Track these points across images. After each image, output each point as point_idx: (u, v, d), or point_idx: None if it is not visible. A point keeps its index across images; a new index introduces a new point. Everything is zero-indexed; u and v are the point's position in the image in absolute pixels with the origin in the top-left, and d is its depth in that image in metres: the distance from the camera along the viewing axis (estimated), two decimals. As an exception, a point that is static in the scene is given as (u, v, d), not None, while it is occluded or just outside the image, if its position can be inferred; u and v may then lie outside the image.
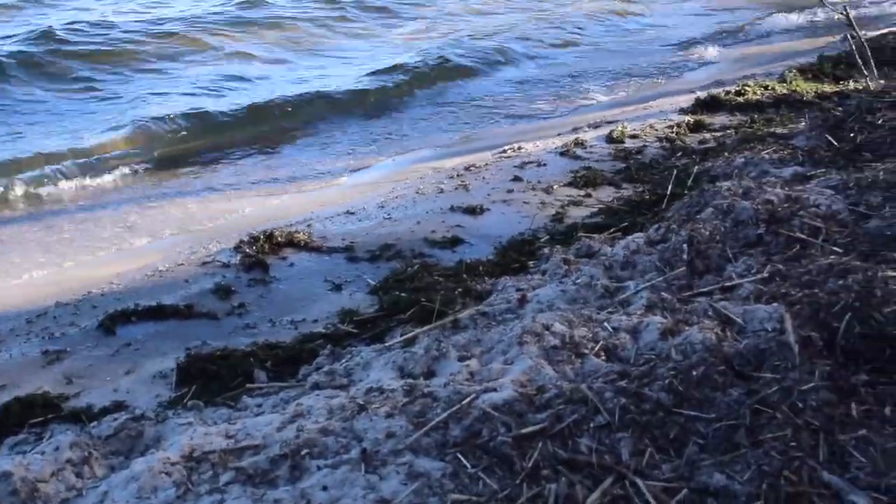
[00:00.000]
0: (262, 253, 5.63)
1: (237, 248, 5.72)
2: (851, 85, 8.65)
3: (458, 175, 7.24)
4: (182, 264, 5.64)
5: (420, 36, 13.93)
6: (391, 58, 12.15)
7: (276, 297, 5.14)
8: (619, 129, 8.01)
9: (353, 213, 6.53)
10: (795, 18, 14.72)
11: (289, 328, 4.72)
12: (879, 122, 6.23)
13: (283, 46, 13.08)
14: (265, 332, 4.66)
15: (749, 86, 9.15)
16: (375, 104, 10.42)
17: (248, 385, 3.89)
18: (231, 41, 13.02)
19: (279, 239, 5.80)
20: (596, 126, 8.57)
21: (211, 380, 4.04)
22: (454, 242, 5.81)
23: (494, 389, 3.11)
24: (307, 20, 14.37)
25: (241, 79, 11.21)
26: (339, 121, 9.77)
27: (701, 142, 7.63)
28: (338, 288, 5.21)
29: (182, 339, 4.57)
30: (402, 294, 4.84)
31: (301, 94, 10.33)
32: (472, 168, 7.40)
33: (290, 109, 9.93)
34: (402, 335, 4.13)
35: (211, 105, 9.96)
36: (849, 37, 8.72)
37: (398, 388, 3.26)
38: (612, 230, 5.34)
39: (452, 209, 6.39)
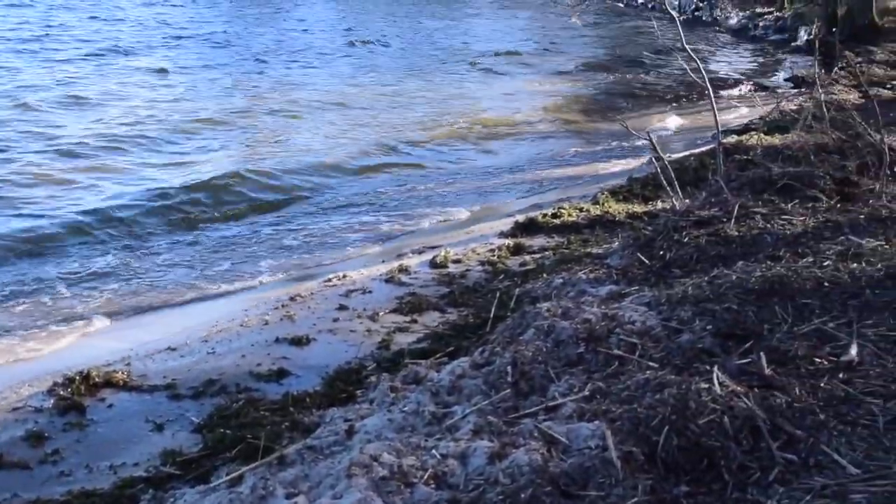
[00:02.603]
0: (77, 395, 5.39)
1: (51, 391, 5.45)
2: (659, 205, 9.10)
3: (283, 306, 7.17)
4: (-10, 411, 5.32)
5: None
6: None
7: (93, 441, 4.91)
8: (443, 254, 8.15)
9: (174, 350, 6.34)
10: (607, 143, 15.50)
11: (107, 474, 4.51)
12: (685, 239, 6.55)
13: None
14: (81, 480, 4.44)
15: (565, 208, 9.50)
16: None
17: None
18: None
19: (96, 379, 5.57)
20: (420, 252, 8.69)
21: (21, 536, 3.78)
22: (280, 375, 5.74)
23: (323, 527, 3.03)
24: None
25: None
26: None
27: (521, 264, 7.84)
28: (159, 428, 5.03)
29: (-10, 493, 4.28)
30: (228, 431, 4.72)
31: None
32: (297, 298, 7.34)
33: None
34: (227, 474, 4.00)
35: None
36: (654, 159, 9.22)
37: (223, 531, 3.13)
38: (438, 355, 5.37)
39: (278, 341, 6.31)
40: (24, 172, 12.01)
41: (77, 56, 22.78)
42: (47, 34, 26.04)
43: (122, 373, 5.72)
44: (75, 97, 17.37)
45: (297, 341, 6.27)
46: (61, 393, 5.41)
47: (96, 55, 23.07)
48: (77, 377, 5.53)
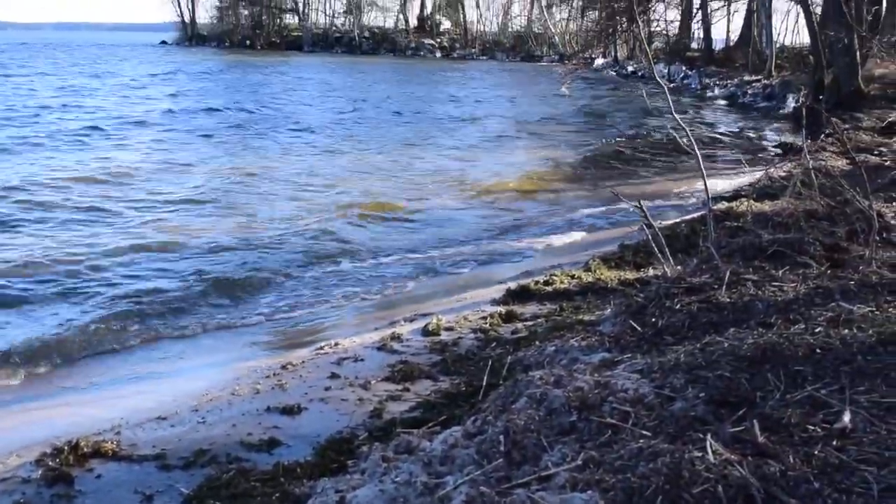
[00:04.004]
0: (66, 465, 5.32)
1: (39, 462, 5.39)
2: (651, 272, 9.14)
3: (274, 374, 7.13)
4: (-25, 484, 5.25)
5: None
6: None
7: (81, 514, 4.85)
8: (435, 321, 8.14)
9: (165, 419, 6.28)
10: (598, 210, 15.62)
11: (96, 546, 4.44)
12: (677, 306, 6.55)
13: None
14: (69, 552, 4.36)
15: (557, 275, 9.53)
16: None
17: None
18: None
19: (85, 449, 5.51)
20: (412, 319, 8.68)
21: None
22: (271, 444, 5.68)
23: None
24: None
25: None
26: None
27: (513, 331, 7.83)
28: (149, 499, 4.97)
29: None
30: (218, 502, 4.66)
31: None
32: (288, 366, 7.31)
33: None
34: (216, 547, 3.95)
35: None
36: (644, 227, 9.27)
37: None
38: (430, 424, 5.34)
39: (269, 410, 6.26)
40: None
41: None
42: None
43: (112, 442, 5.66)
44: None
45: (289, 410, 6.22)
46: (49, 463, 5.35)
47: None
48: (65, 447, 5.48)
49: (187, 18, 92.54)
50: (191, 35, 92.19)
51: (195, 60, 60.90)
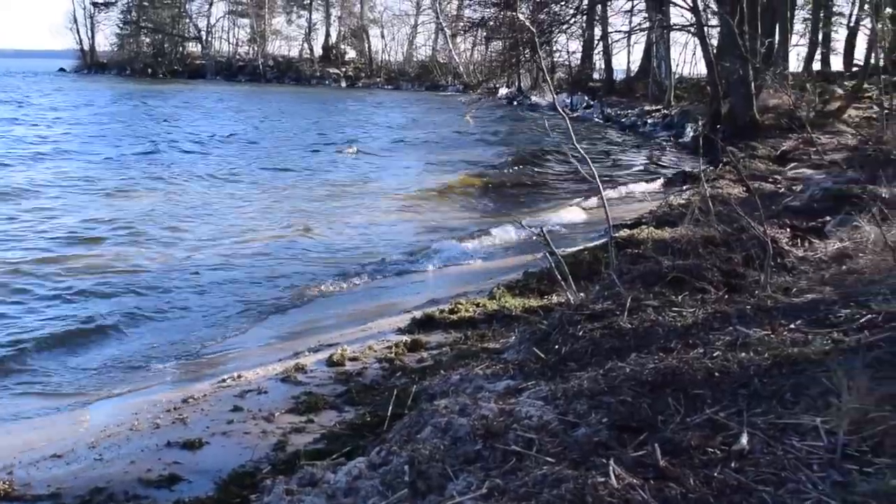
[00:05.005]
0: (-46, 509, 5.12)
1: (-75, 506, 5.18)
2: (554, 298, 9.21)
3: (175, 408, 6.97)
4: None
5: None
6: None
7: (-32, 559, 4.65)
8: (340, 352, 8.06)
9: (60, 457, 6.08)
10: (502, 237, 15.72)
11: (-18, 593, 4.26)
12: (580, 333, 6.60)
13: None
14: None
15: (462, 303, 9.53)
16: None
17: None
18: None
19: (-26, 491, 5.31)
20: (316, 350, 8.58)
21: None
22: (172, 480, 5.54)
23: None
24: None
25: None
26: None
27: (419, 360, 7.81)
28: (41, 541, 4.80)
29: None
30: (114, 542, 4.52)
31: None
32: (190, 400, 7.15)
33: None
34: (111, 590, 3.82)
35: None
36: (547, 254, 9.36)
37: None
38: (334, 456, 5.27)
39: (169, 445, 6.10)
40: None
41: None
42: None
43: (4, 482, 5.46)
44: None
45: (190, 445, 6.08)
46: (-63, 507, 5.15)
47: None
48: (-46, 489, 5.28)
49: (87, 46, 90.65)
50: (90, 62, 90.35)
51: (85, 88, 59.45)
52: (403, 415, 5.52)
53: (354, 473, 4.50)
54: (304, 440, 6.01)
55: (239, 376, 7.74)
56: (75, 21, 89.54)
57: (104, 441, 6.37)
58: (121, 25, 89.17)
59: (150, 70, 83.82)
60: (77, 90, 55.35)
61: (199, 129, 35.63)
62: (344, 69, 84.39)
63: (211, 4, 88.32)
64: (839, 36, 49.44)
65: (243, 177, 23.43)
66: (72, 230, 15.50)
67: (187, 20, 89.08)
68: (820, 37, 45.22)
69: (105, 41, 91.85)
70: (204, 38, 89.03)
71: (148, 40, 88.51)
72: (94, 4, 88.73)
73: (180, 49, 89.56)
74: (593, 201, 18.14)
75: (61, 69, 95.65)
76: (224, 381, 7.68)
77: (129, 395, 7.77)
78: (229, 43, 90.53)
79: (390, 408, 5.98)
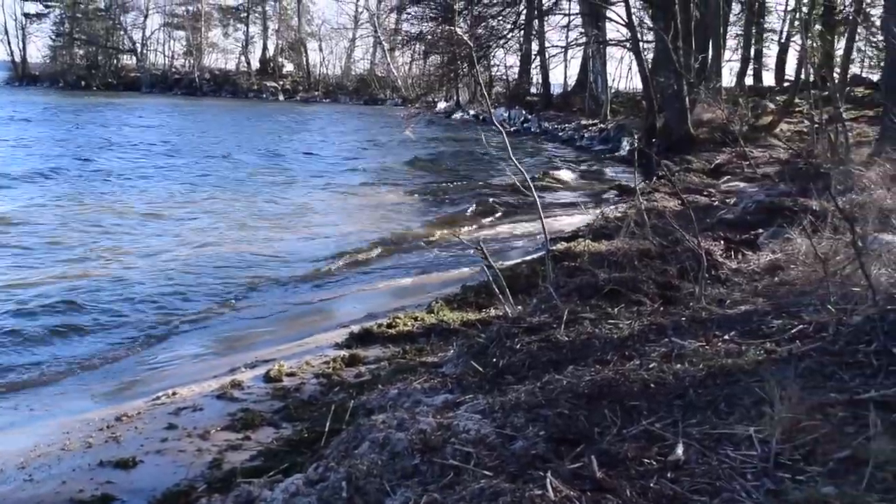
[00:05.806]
0: None
1: None
2: (492, 312, 9.23)
3: (108, 426, 6.84)
4: None
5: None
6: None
7: None
8: (277, 367, 7.99)
9: (-13, 479, 5.94)
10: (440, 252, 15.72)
11: None
12: (518, 346, 6.63)
13: None
14: None
15: (400, 317, 9.51)
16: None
17: None
18: None
19: None
20: (253, 366, 8.49)
21: None
22: (104, 501, 5.46)
23: None
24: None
25: None
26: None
27: (357, 375, 7.77)
28: (-34, 568, 4.67)
29: None
30: (44, 566, 4.41)
31: None
32: (123, 418, 7.02)
33: None
34: None
35: None
36: (485, 268, 9.39)
37: None
38: (271, 473, 5.22)
39: (102, 464, 6.00)
40: None
41: None
42: None
43: (-73, 507, 5.32)
44: None
45: (123, 464, 5.97)
46: None
47: None
48: None
49: (18, 58, 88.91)
50: (21, 74, 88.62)
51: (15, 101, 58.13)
52: (341, 430, 5.49)
53: (292, 490, 4.46)
54: (241, 457, 5.95)
55: (174, 393, 7.63)
56: (6, 32, 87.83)
57: (35, 461, 6.23)
58: (53, 37, 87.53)
59: (83, 82, 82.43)
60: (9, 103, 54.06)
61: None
62: (282, 82, 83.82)
63: (146, 17, 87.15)
64: (771, 52, 50.70)
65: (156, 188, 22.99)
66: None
67: (122, 32, 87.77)
68: (752, 52, 46.06)
69: (37, 53, 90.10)
70: (139, 50, 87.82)
71: (81, 52, 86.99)
72: (26, 15, 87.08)
73: (114, 62, 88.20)
74: (532, 214, 18.21)
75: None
76: (158, 398, 7.56)
77: (60, 414, 7.60)
78: (165, 56, 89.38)
79: (328, 423, 5.94)
